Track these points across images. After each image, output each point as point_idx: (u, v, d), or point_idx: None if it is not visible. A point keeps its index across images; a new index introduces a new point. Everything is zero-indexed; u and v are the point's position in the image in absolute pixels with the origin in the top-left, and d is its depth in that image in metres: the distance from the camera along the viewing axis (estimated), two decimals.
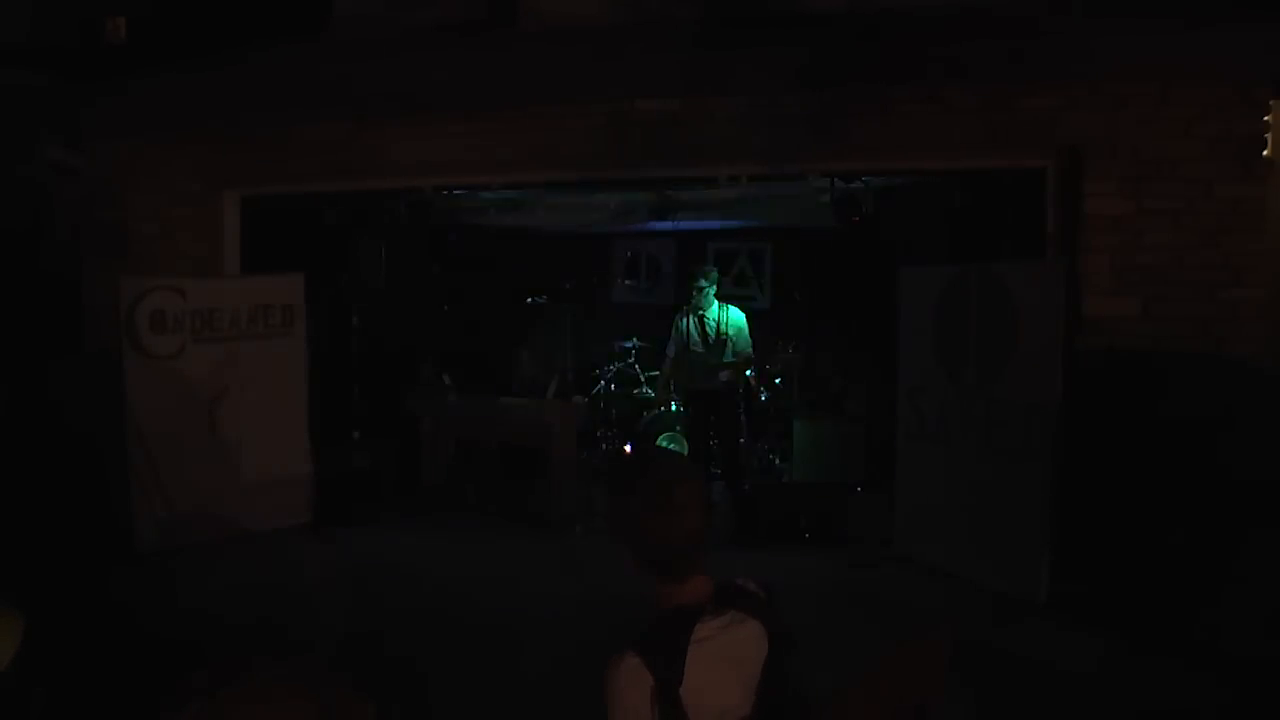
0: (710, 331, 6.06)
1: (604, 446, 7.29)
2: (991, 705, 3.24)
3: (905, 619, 4.14)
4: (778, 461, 7.00)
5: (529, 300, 8.20)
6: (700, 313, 6.09)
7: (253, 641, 3.80)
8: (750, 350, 6.13)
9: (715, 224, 8.32)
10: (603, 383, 7.52)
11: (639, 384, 7.57)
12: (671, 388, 6.84)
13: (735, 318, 6.12)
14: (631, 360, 7.62)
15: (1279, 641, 3.45)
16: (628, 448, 7.18)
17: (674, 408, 7.00)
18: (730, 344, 6.04)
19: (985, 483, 4.54)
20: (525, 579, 4.84)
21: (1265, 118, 4.18)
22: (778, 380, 7.27)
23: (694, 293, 6.09)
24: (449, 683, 3.52)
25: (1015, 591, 4.29)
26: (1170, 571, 3.85)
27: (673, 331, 6.39)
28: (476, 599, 4.50)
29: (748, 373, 6.53)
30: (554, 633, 4.01)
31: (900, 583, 4.68)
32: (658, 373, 7.16)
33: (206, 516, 5.32)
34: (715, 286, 6.12)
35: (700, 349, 6.08)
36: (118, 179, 5.61)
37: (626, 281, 9.33)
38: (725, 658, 1.58)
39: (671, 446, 6.79)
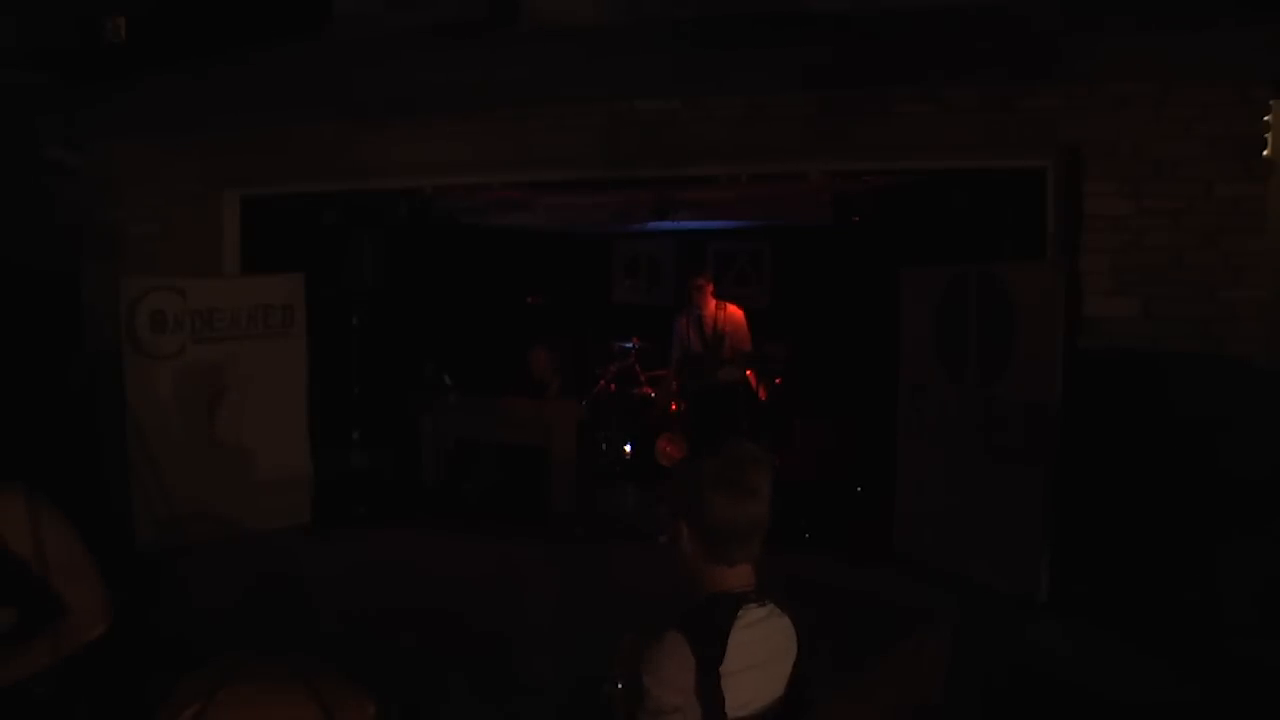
0: (709, 330, 6.06)
1: (604, 447, 7.29)
2: (990, 705, 3.24)
3: (905, 619, 4.13)
4: (777, 461, 7.00)
5: (529, 300, 8.20)
6: (698, 312, 6.08)
7: (253, 641, 3.79)
8: (749, 348, 6.13)
9: (715, 224, 8.32)
10: (602, 382, 7.52)
11: (639, 384, 7.57)
12: (675, 389, 6.84)
13: (733, 316, 6.12)
14: (631, 360, 7.62)
15: (1278, 641, 3.46)
16: (628, 448, 7.17)
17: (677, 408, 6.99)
18: (729, 342, 6.04)
19: (985, 482, 4.54)
20: (525, 579, 4.84)
21: (1265, 118, 4.18)
22: (777, 380, 7.27)
23: (692, 292, 6.09)
24: (449, 683, 3.52)
25: (1015, 591, 4.29)
26: (1170, 571, 3.85)
27: (673, 333, 6.39)
28: (476, 599, 4.50)
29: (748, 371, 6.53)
30: (554, 633, 4.01)
31: (900, 583, 4.67)
32: (659, 373, 7.16)
33: (206, 516, 5.32)
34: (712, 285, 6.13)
35: (700, 349, 6.08)
36: (117, 179, 5.61)
37: (626, 281, 9.34)
38: (764, 646, 1.59)
39: None
